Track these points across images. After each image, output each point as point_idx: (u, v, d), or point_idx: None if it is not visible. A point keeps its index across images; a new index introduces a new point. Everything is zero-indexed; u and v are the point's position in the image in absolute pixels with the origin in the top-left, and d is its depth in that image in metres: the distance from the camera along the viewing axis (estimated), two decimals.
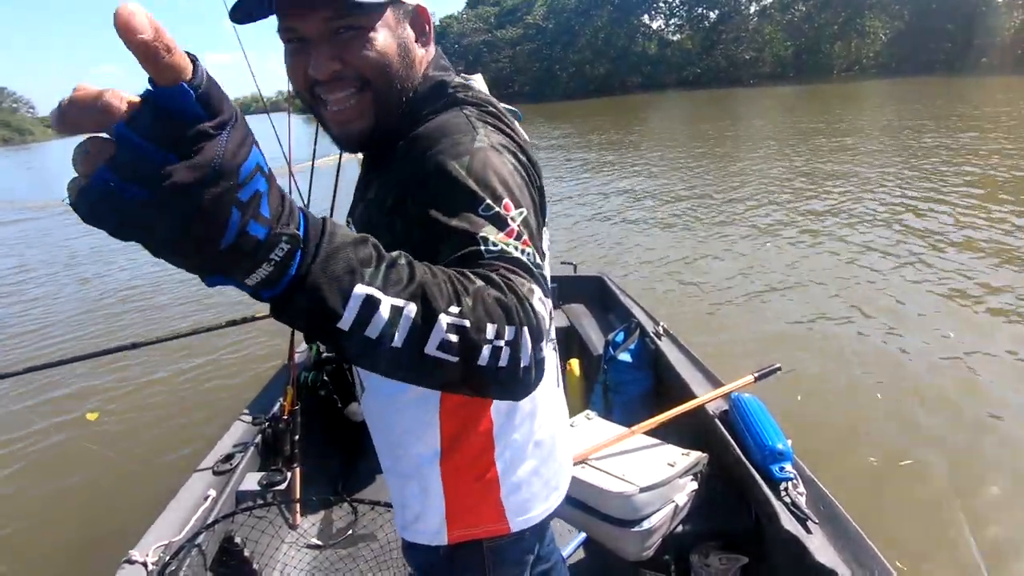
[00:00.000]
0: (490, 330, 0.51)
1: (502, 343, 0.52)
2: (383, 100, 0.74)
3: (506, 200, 0.64)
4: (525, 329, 0.53)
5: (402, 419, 0.82)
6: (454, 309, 0.49)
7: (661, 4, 47.07)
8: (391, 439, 0.85)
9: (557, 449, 0.92)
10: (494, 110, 0.77)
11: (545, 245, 0.80)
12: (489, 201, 0.63)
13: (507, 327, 0.52)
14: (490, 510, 0.84)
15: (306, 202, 2.28)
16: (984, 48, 31.11)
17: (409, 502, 0.86)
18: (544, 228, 0.80)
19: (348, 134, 0.76)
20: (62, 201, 0.37)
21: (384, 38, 0.72)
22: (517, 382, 0.55)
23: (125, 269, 7.46)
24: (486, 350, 0.51)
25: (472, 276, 0.54)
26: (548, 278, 0.72)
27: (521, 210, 0.64)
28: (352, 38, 0.70)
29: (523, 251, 0.61)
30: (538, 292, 0.59)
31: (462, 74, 0.86)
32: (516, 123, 0.80)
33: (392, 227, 0.71)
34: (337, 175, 2.09)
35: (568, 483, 0.97)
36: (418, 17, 0.78)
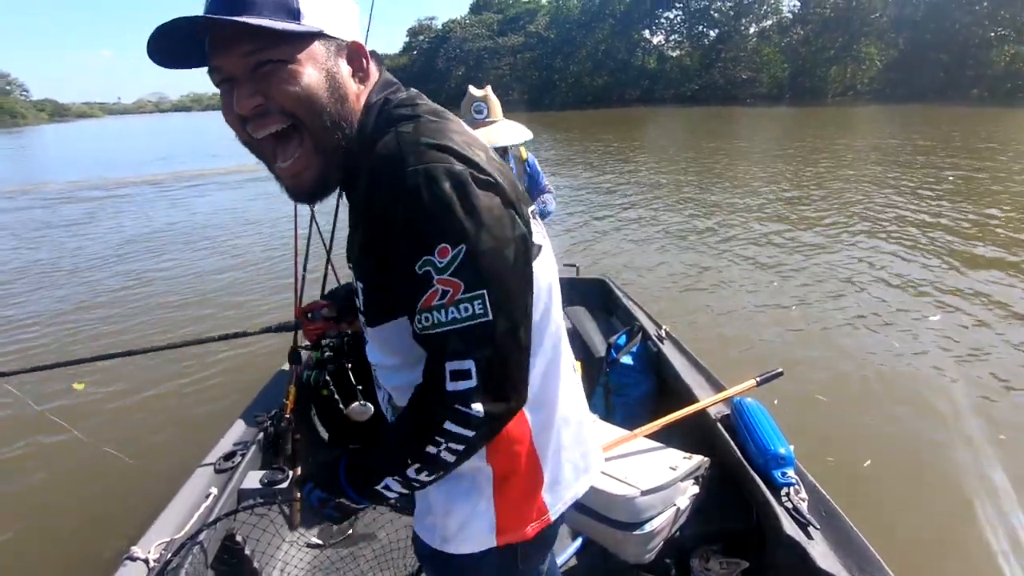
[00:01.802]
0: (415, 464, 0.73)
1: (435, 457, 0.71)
2: (321, 140, 0.73)
3: (442, 245, 0.64)
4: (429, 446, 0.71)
5: None
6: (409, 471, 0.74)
7: (662, 20, 47.56)
8: None
9: (583, 431, 0.95)
10: (434, 119, 0.73)
11: (536, 236, 0.81)
12: (426, 257, 0.65)
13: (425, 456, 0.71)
14: (535, 508, 0.87)
15: (311, 213, 2.24)
16: (976, 79, 31.76)
17: (455, 508, 0.85)
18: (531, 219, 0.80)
19: (301, 186, 0.76)
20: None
21: (308, 71, 0.70)
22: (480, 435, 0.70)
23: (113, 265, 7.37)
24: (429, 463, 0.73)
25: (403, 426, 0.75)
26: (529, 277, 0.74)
27: (460, 247, 0.64)
28: (272, 71, 0.69)
29: (446, 311, 0.66)
30: (481, 354, 0.67)
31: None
32: (463, 126, 0.77)
33: (372, 270, 0.75)
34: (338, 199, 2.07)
35: (598, 463, 0.99)
36: (353, 53, 0.76)
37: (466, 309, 0.66)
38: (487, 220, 0.66)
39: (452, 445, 0.70)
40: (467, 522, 0.85)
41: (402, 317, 0.74)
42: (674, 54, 47.54)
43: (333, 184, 0.79)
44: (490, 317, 0.66)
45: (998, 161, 10.70)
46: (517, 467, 0.85)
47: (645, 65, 46.88)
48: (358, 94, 0.77)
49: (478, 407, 0.67)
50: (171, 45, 0.70)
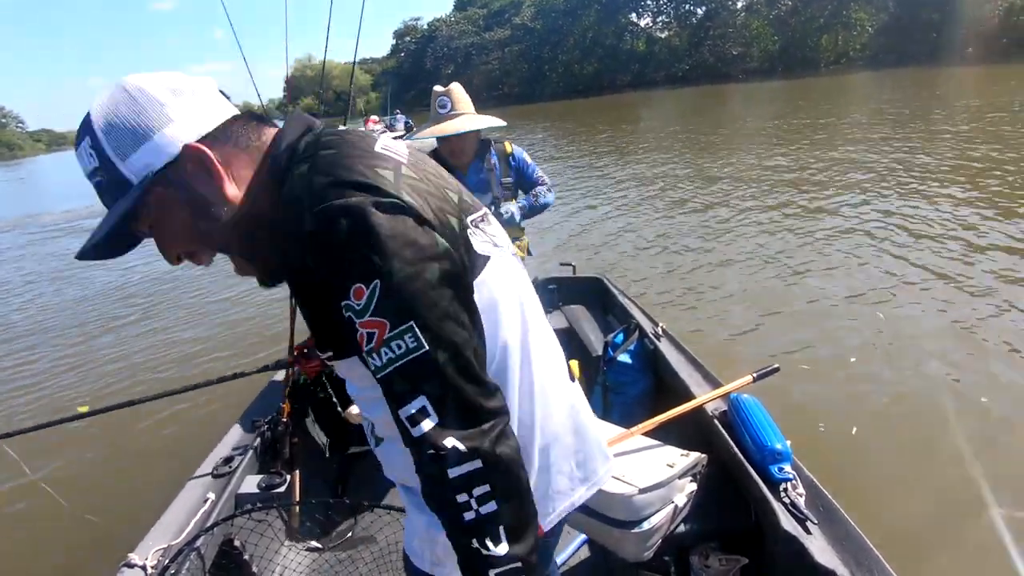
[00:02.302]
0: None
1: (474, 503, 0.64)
2: (238, 251, 0.75)
3: (355, 286, 0.62)
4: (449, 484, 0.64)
5: None
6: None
7: (648, 2, 47.21)
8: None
9: (581, 441, 0.92)
10: (329, 150, 0.69)
11: (481, 246, 0.77)
12: (345, 301, 0.63)
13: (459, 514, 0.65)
14: None
15: None
16: (969, 38, 31.31)
17: (439, 535, 0.78)
18: (470, 228, 0.76)
19: (259, 280, 0.79)
20: None
21: (168, 219, 0.71)
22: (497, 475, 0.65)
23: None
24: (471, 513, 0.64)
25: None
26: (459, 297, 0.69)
27: (374, 284, 0.62)
28: (155, 235, 0.73)
29: (380, 354, 0.63)
30: (430, 390, 0.64)
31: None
32: (366, 145, 0.72)
33: (309, 318, 0.75)
34: None
35: (602, 471, 0.96)
36: (193, 161, 0.69)
37: (399, 346, 0.62)
38: (395, 247, 0.62)
39: (477, 491, 0.63)
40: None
41: (354, 356, 0.73)
42: (662, 35, 47.19)
43: (284, 266, 0.75)
44: (426, 347, 0.63)
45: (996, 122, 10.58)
46: None
47: (634, 48, 46.60)
48: (239, 181, 0.72)
49: (451, 442, 0.62)
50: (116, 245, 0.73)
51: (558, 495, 0.89)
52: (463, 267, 0.71)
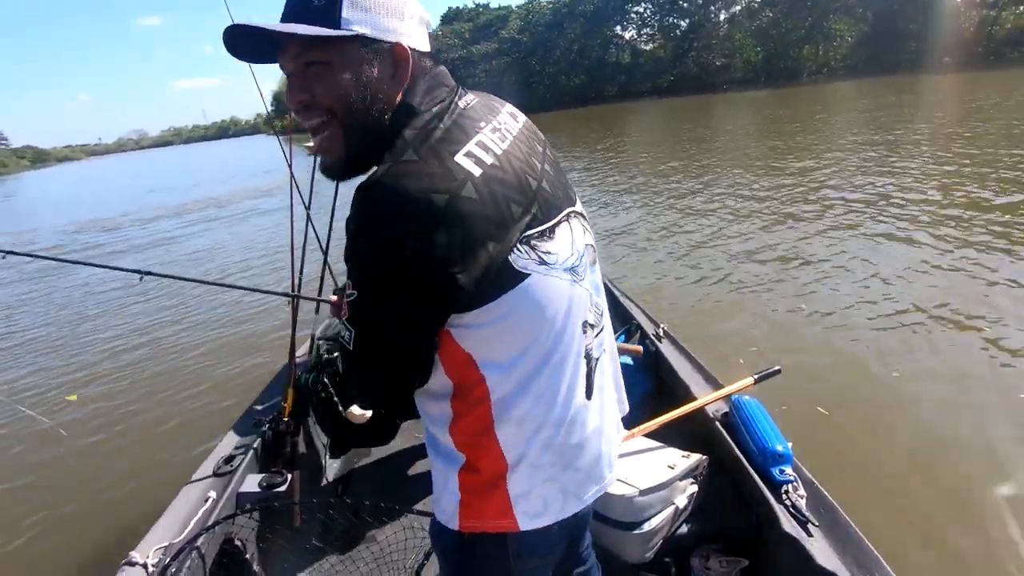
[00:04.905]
0: None
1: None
2: (350, 133, 0.80)
3: (349, 281, 0.77)
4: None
5: (429, 421, 0.92)
6: None
7: (632, 15, 47.76)
8: (427, 437, 0.96)
9: (580, 459, 0.91)
10: (409, 161, 0.73)
11: (523, 263, 0.78)
12: (347, 280, 0.78)
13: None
14: (499, 509, 0.88)
15: (307, 205, 2.31)
16: (946, 47, 31.96)
17: (435, 481, 0.94)
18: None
19: (325, 164, 0.85)
20: None
21: (345, 73, 0.77)
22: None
23: None
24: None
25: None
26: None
27: (352, 292, 0.77)
28: (315, 71, 0.78)
29: (343, 328, 0.80)
30: (343, 367, 0.86)
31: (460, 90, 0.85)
32: (433, 165, 0.73)
33: None
34: (336, 187, 2.07)
35: (592, 491, 0.95)
36: (395, 56, 0.80)
37: (346, 328, 0.79)
38: (375, 284, 0.74)
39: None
40: (441, 495, 0.92)
41: None
42: (647, 47, 47.69)
43: (355, 169, 0.85)
44: (351, 348, 0.79)
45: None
46: (480, 462, 0.87)
47: (620, 61, 47.03)
48: (395, 94, 0.81)
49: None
50: (246, 45, 0.80)
51: (539, 499, 0.89)
52: (426, 315, 0.77)
